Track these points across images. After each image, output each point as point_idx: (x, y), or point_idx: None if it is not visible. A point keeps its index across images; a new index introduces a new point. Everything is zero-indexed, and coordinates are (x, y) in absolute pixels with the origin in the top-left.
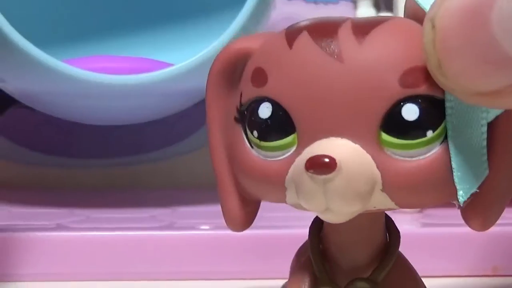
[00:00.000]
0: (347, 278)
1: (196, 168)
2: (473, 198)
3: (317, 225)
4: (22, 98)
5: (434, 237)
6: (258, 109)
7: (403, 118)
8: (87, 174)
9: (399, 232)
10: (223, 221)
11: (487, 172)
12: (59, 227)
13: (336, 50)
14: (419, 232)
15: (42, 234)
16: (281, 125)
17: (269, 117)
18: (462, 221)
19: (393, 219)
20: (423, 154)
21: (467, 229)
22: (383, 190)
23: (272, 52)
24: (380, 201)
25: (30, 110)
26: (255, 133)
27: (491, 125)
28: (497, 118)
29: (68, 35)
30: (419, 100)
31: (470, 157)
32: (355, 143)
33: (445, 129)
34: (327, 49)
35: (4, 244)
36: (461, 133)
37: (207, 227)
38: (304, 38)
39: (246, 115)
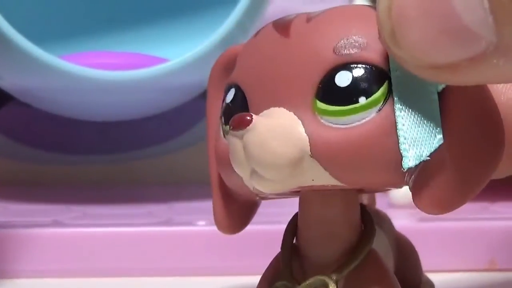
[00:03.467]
0: (317, 274)
1: (193, 164)
2: (426, 172)
3: (294, 221)
4: (18, 94)
5: (431, 231)
6: (226, 95)
7: (336, 84)
8: (84, 170)
9: (374, 230)
10: None
11: (441, 140)
12: (56, 223)
13: (286, 30)
14: (415, 227)
15: (39, 231)
16: (239, 106)
17: (231, 101)
18: (459, 215)
19: (389, 213)
20: (355, 122)
21: (464, 223)
22: (312, 156)
23: (245, 43)
24: (314, 172)
25: (26, 106)
26: (223, 118)
27: (443, 93)
28: (448, 86)
29: (64, 31)
30: (353, 67)
31: (421, 127)
32: (290, 111)
33: (384, 97)
34: (279, 30)
35: (0, 241)
36: (409, 103)
37: (204, 222)
38: (268, 27)
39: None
